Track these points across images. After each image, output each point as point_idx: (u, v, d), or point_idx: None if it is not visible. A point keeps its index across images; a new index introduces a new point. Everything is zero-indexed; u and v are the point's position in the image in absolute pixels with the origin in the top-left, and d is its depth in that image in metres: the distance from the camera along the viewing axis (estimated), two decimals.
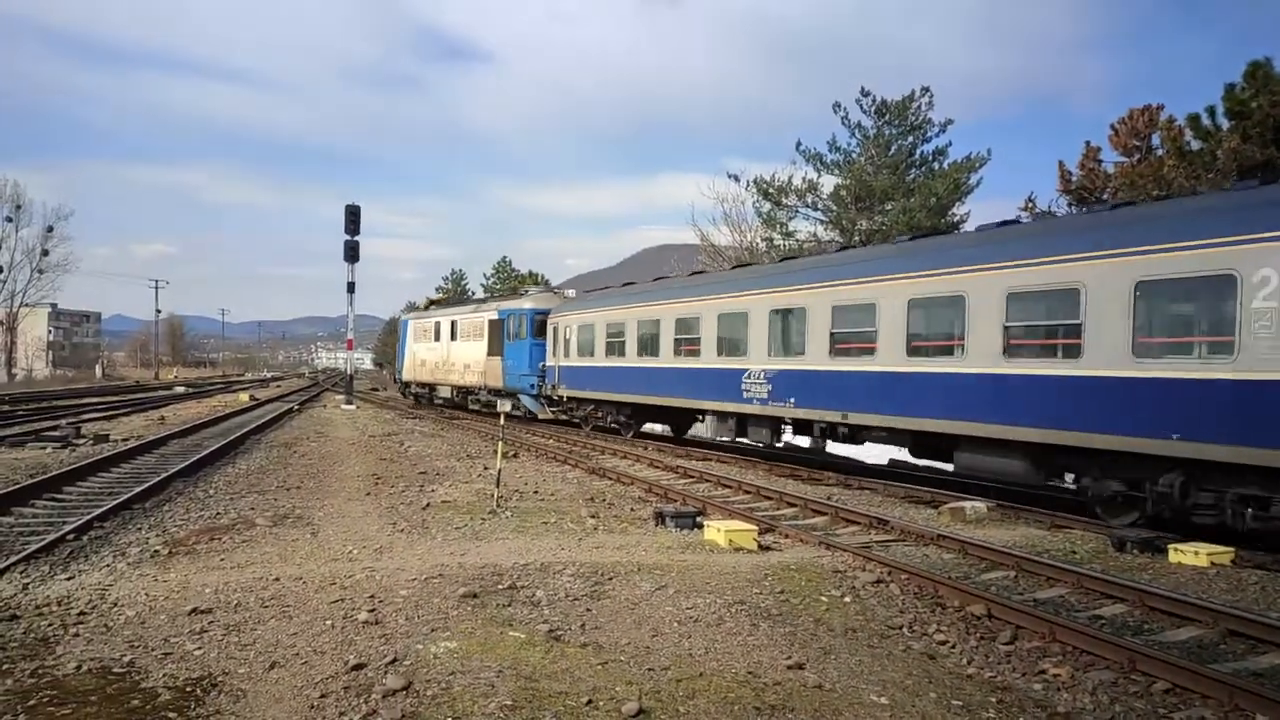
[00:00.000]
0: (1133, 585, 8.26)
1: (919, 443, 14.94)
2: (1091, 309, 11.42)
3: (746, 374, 18.42)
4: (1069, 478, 12.90)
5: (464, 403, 35.66)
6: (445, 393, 37.63)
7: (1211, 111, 23.79)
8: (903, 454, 17.08)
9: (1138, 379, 10.88)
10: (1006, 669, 6.35)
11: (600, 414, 25.98)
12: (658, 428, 26.34)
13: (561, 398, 27.62)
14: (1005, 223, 14.63)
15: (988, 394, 12.83)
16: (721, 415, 19.85)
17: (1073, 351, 11.71)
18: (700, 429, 22.26)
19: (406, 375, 42.83)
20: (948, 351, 13.75)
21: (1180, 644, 6.93)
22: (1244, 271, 9.82)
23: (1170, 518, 10.91)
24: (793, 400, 17.05)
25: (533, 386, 29.64)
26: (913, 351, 14.34)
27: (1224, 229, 10.21)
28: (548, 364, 28.46)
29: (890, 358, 14.71)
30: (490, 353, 31.94)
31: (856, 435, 16.07)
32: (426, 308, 43.44)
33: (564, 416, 28.83)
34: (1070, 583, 8.63)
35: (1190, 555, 9.68)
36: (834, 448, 18.05)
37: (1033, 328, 12.55)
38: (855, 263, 16.96)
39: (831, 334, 16.10)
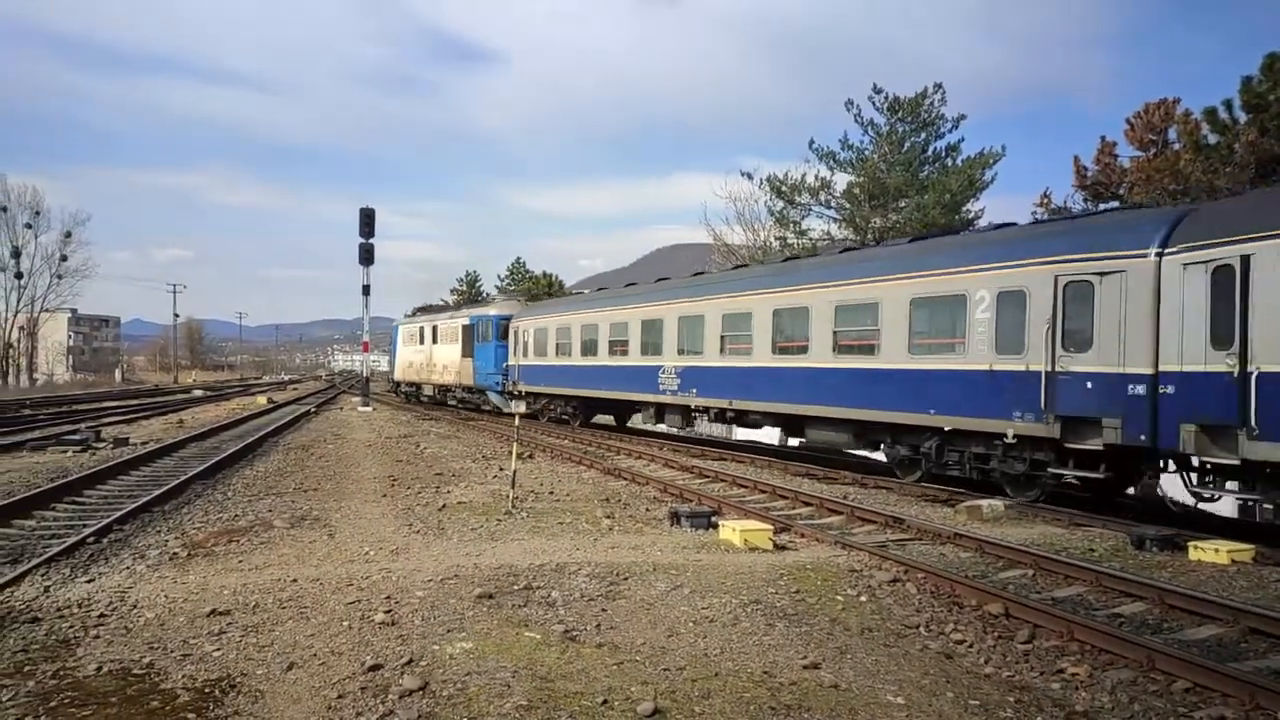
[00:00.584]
0: (1152, 583, 8.20)
1: (783, 424, 19.24)
2: (885, 318, 15.57)
3: (661, 370, 22.62)
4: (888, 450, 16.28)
5: (444, 399, 39.77)
6: (429, 390, 41.82)
7: (1229, 105, 23.58)
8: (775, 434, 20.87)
9: (911, 370, 14.98)
10: (1024, 668, 6.32)
11: (553, 407, 29.87)
12: (611, 419, 30.04)
13: (521, 393, 31.26)
14: (847, 248, 20.07)
15: (825, 383, 16.85)
16: (645, 405, 23.84)
17: (871, 351, 15.90)
18: (638, 419, 25.83)
19: (397, 375, 47.46)
20: (802, 350, 17.63)
21: (1200, 642, 6.88)
22: (970, 292, 13.98)
23: (935, 472, 14.99)
24: (695, 391, 21.15)
25: (498, 384, 33.47)
26: (777, 350, 18.37)
27: (958, 262, 14.47)
28: (509, 363, 32.59)
29: (762, 356, 18.77)
30: (464, 354, 36.11)
31: (741, 418, 20.24)
32: (414, 314, 47.25)
33: (534, 412, 31.33)
34: (1089, 581, 8.57)
35: (1210, 553, 9.61)
36: (740, 434, 22.64)
37: (851, 331, 16.50)
38: (738, 280, 21.17)
39: (722, 337, 20.21)
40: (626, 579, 8.42)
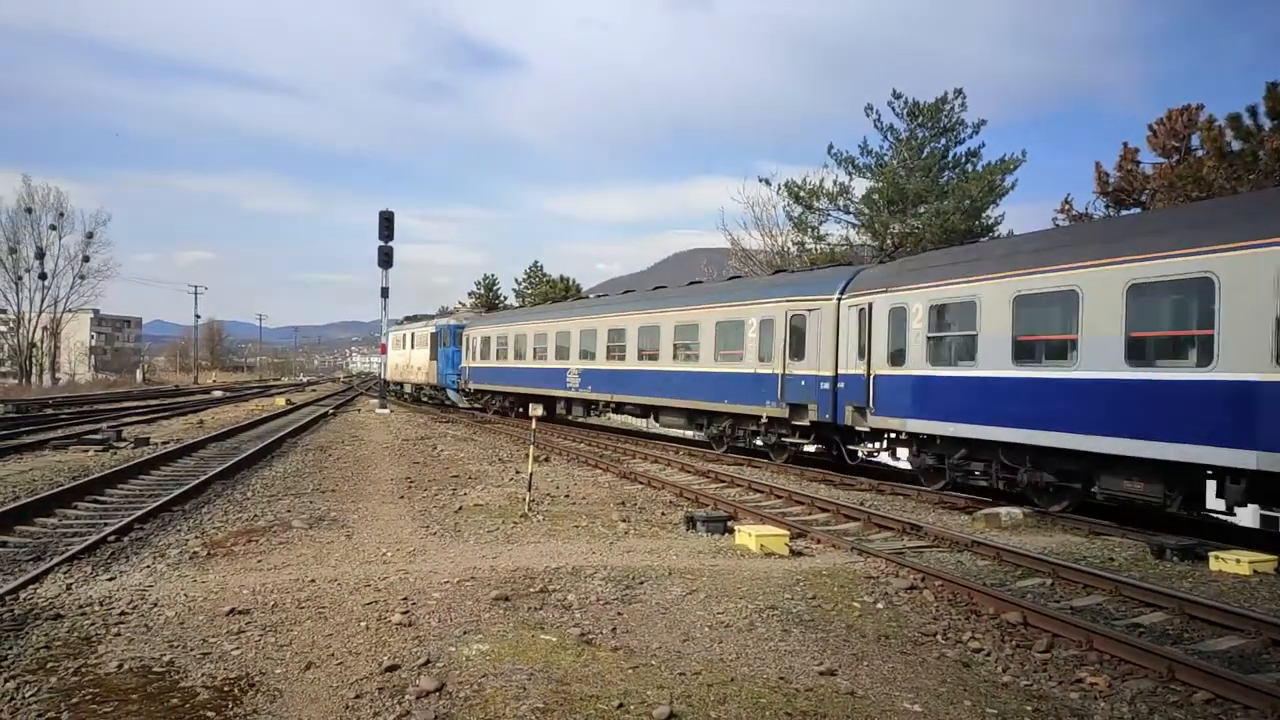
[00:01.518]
0: (1172, 593, 8.12)
1: (645, 412, 25.80)
2: (702, 335, 21.80)
3: (568, 372, 28.94)
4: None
5: (418, 395, 47.47)
6: (409, 388, 50.25)
7: (1253, 111, 23.37)
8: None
9: (716, 372, 21.17)
10: (1042, 677, 6.27)
11: (494, 402, 36.59)
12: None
13: (470, 390, 38.72)
14: (732, 278, 28.37)
15: (671, 382, 23.05)
16: (558, 399, 30.29)
17: (695, 358, 22.12)
18: (560, 411, 31.78)
19: (388, 375, 53.88)
20: (654, 358, 24.01)
21: (1221, 653, 6.81)
22: (745, 320, 20.21)
23: (730, 444, 21.20)
24: (590, 388, 27.53)
25: (454, 382, 40.58)
26: (642, 357, 24.65)
27: (740, 298, 21.16)
28: (462, 365, 39.37)
29: (632, 362, 25.19)
30: (431, 357, 43.50)
31: (619, 408, 26.73)
32: (402, 322, 54.50)
33: (478, 405, 38.64)
34: (1108, 590, 8.50)
35: (1232, 563, 9.51)
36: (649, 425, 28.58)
37: (684, 344, 22.69)
38: (619, 304, 28.23)
39: (608, 347, 26.52)
40: (642, 583, 8.43)
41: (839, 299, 17.57)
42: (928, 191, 35.28)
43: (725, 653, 6.51)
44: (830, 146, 37.69)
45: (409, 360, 48.27)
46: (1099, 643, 6.75)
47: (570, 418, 31.88)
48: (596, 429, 23.46)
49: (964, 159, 36.51)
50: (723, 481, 16.46)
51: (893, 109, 36.78)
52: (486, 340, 36.61)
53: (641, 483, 16.09)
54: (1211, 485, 10.97)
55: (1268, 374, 9.71)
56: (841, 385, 17.17)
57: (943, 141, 36.77)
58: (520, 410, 33.56)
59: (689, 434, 25.61)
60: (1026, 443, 12.82)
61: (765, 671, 6.14)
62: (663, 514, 12.74)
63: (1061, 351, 12.61)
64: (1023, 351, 13.08)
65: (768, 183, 40.03)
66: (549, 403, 30.73)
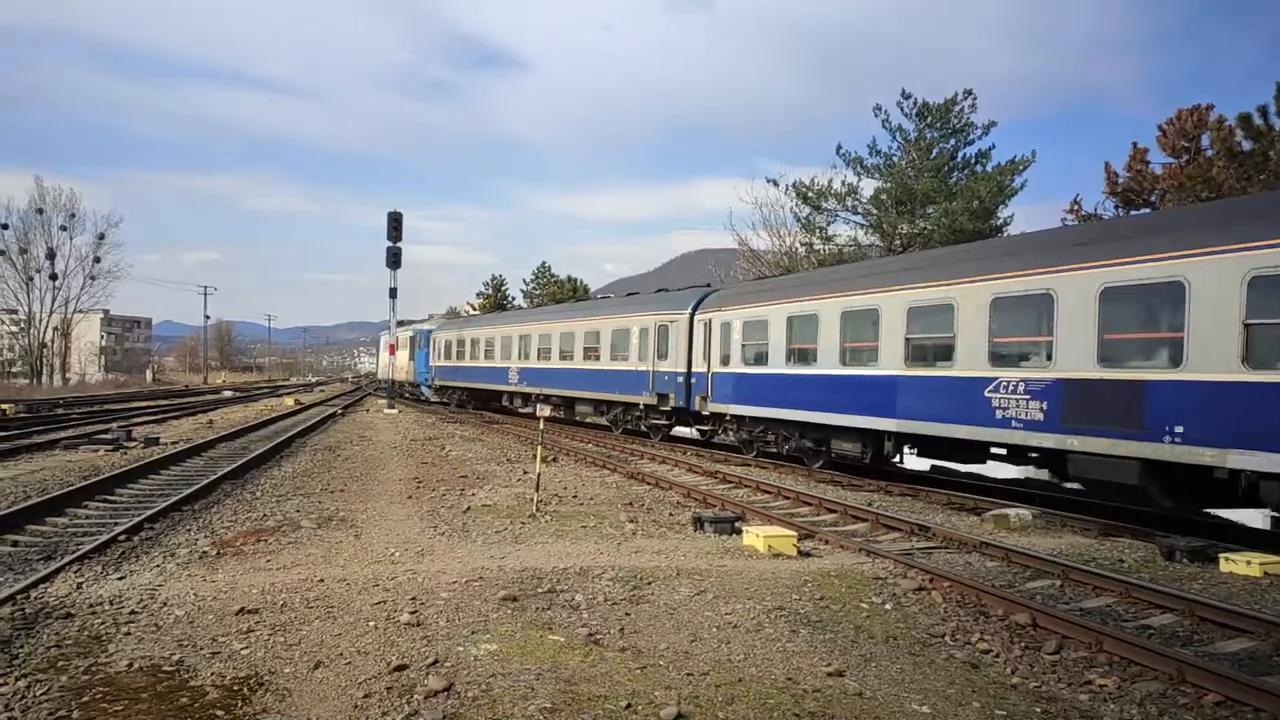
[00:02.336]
0: (1182, 595, 8.09)
1: (565, 404, 30.48)
2: (602, 340, 27.70)
3: (509, 370, 35.08)
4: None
5: (401, 391, 52.62)
6: (397, 384, 55.44)
7: (1263, 111, 23.27)
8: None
9: (611, 369, 26.81)
10: (1052, 679, 6.26)
11: (454, 396, 43.01)
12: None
13: (436, 386, 45.49)
14: (629, 294, 32.98)
15: (582, 378, 28.83)
16: (503, 394, 36.70)
17: (598, 359, 27.84)
18: (505, 403, 37.92)
19: (380, 374, 62.74)
20: (570, 359, 29.93)
21: (1232, 655, 6.78)
22: (630, 328, 25.71)
23: (622, 427, 27.04)
24: (525, 383, 33.52)
25: (426, 379, 47.59)
26: (562, 358, 30.60)
27: (628, 311, 27.10)
28: (432, 364, 45.78)
29: (555, 361, 31.24)
30: (410, 358, 50.67)
31: (546, 399, 30.50)
32: (397, 328, 61.18)
33: (444, 400, 45.11)
34: (1118, 592, 8.47)
35: (1242, 565, 9.47)
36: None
37: (591, 347, 28.45)
38: (545, 313, 37.20)
39: (538, 349, 32.65)
40: (650, 583, 8.43)
41: (691, 314, 23.12)
42: (936, 192, 35.20)
43: (733, 653, 6.51)
44: (839, 147, 37.63)
45: (396, 360, 55.79)
46: (1109, 644, 6.72)
47: (512, 408, 37.00)
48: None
49: (973, 160, 36.44)
50: (730, 482, 16.45)
51: (901, 109, 36.76)
52: (449, 344, 43.16)
53: (649, 483, 16.09)
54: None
55: (899, 369, 15.47)
56: (693, 380, 22.84)
57: (952, 142, 36.70)
58: (475, 404, 40.67)
59: (600, 420, 30.79)
60: (795, 419, 18.62)
61: (773, 672, 6.13)
62: (670, 514, 12.74)
63: (811, 356, 18.05)
64: (792, 355, 18.74)
65: (775, 183, 40.00)
66: (495, 395, 38.43)
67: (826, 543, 10.82)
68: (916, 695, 5.81)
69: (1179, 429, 10.61)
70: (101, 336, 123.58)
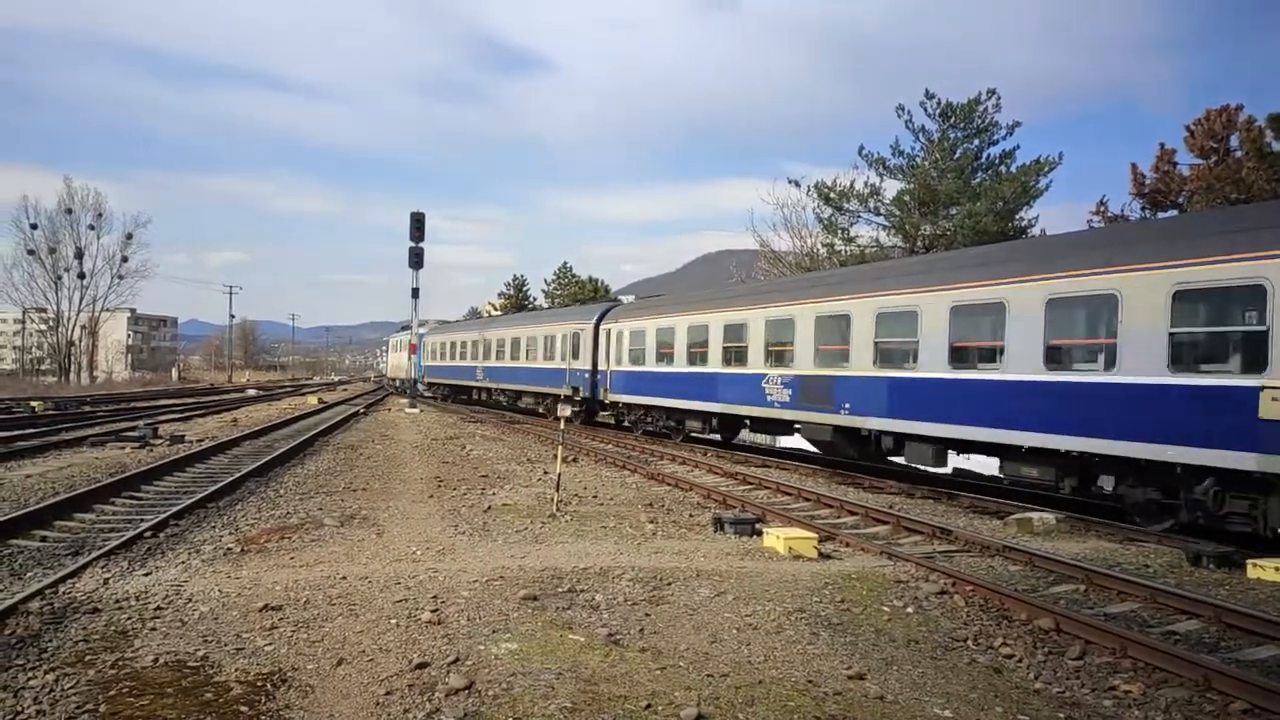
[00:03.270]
0: (1209, 601, 7.99)
1: (514, 397, 37.89)
2: (537, 344, 34.32)
3: (476, 369, 42.35)
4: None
5: (403, 389, 56.24)
6: (397, 382, 63.18)
7: None
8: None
9: (542, 368, 33.70)
10: (1075, 684, 6.20)
11: (438, 391, 50.79)
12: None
13: (427, 382, 52.03)
14: (550, 308, 55.39)
15: (524, 375, 35.59)
16: (473, 389, 44.48)
17: (536, 358, 34.29)
18: (475, 396, 45.62)
19: (389, 374, 70.02)
20: (517, 359, 36.26)
21: (1259, 663, 6.68)
22: (554, 335, 33.07)
23: (544, 412, 33.97)
24: (488, 380, 40.54)
25: (420, 376, 51.58)
26: (514, 358, 36.71)
27: (549, 321, 35.48)
28: (423, 364, 51.32)
29: (507, 361, 37.43)
30: (409, 358, 53.53)
31: (504, 393, 39.27)
32: (399, 331, 66.68)
33: (432, 394, 51.91)
34: (1143, 597, 8.38)
35: (1270, 571, 9.33)
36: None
37: (528, 350, 34.96)
38: (503, 321, 45.70)
39: (496, 350, 39.06)
40: (670, 584, 8.43)
41: (595, 324, 29.27)
42: (960, 193, 34.94)
43: (753, 655, 6.50)
44: (861, 148, 37.42)
45: (399, 360, 63.94)
46: (1133, 650, 6.65)
47: (479, 399, 45.13)
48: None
49: (998, 160, 36.15)
50: (751, 484, 16.41)
51: (925, 110, 36.52)
52: (434, 347, 51.31)
53: (669, 484, 16.09)
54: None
55: (718, 369, 21.84)
56: (599, 376, 28.84)
57: (976, 143, 36.43)
58: (454, 397, 48.51)
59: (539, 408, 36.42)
60: (662, 405, 24.92)
61: (793, 674, 6.11)
62: (691, 515, 12.73)
63: (670, 358, 24.25)
64: (659, 356, 24.88)
65: (797, 184, 39.88)
66: (466, 390, 46.31)
67: (847, 545, 10.77)
68: (938, 699, 5.77)
69: (848, 405, 16.92)
70: (128, 335, 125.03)
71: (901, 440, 15.91)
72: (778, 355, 19.18)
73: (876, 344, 16.31)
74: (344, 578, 8.32)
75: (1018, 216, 35.06)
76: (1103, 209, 29.73)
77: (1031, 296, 13.09)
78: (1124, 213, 28.92)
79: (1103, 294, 12.10)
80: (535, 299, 74.17)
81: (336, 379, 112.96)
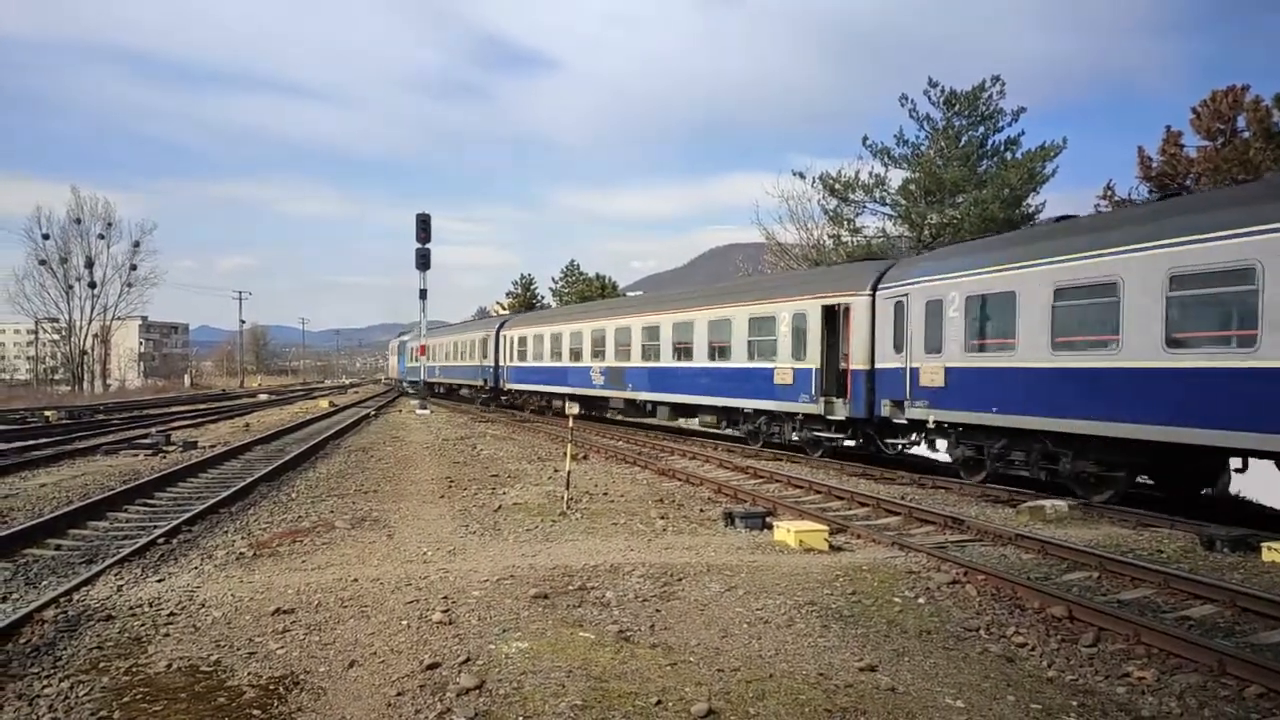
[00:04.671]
0: (1223, 585, 7.95)
1: (456, 387, 49.59)
2: (473, 347, 44.52)
3: (436, 367, 51.61)
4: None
5: (395, 386, 68.10)
6: (390, 381, 75.20)
7: None
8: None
9: (471, 365, 44.75)
10: (1089, 672, 6.17)
11: (426, 389, 51.55)
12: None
13: (409, 381, 57.73)
14: (475, 319, 66.00)
15: (462, 371, 46.90)
16: (437, 384, 51.80)
17: (472, 358, 44.53)
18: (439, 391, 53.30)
19: (391, 374, 78.95)
20: (485, 356, 41.27)
21: (1274, 647, 6.64)
22: (478, 338, 45.21)
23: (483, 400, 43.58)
24: (442, 376, 51.58)
25: (404, 378, 61.98)
26: (459, 359, 47.61)
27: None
28: (404, 365, 61.00)
29: (453, 361, 49.23)
30: (397, 362, 67.73)
31: (443, 386, 52.19)
32: (398, 336, 76.68)
33: (409, 390, 57.62)
34: (1156, 583, 8.34)
35: None
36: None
37: (467, 350, 45.91)
38: (455, 328, 56.08)
39: (446, 352, 50.57)
40: (680, 580, 8.43)
41: (497, 331, 38.58)
42: (965, 181, 34.81)
43: (764, 649, 6.49)
44: (865, 138, 37.30)
45: (391, 364, 76.60)
46: (1147, 636, 6.62)
47: (445, 394, 52.98)
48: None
49: (1003, 147, 36.00)
50: (761, 477, 16.40)
51: (929, 98, 36.39)
52: (412, 350, 58.65)
53: (680, 479, 16.08)
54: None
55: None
56: (501, 371, 37.57)
57: (981, 130, 36.27)
58: (429, 393, 52.41)
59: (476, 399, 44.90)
60: (567, 393, 30.33)
61: (805, 668, 6.11)
62: (701, 510, 12.72)
63: (579, 354, 30.59)
64: (571, 354, 31.30)
65: (802, 176, 39.83)
66: (431, 386, 52.03)
67: (859, 537, 10.75)
68: (950, 689, 5.76)
69: (631, 385, 27.01)
70: (140, 342, 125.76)
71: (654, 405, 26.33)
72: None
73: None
74: (355, 580, 8.35)
75: (1025, 203, 34.92)
76: (1109, 193, 29.55)
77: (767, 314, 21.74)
78: (1131, 196, 28.75)
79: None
80: (543, 298, 74.23)
81: (347, 381, 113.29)
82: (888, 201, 37.61)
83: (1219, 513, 12.20)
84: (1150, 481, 13.49)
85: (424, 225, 37.92)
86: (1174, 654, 6.35)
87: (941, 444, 16.02)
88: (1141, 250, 11.59)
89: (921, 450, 17.55)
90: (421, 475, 16.46)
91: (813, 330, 18.96)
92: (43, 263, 75.05)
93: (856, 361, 17.83)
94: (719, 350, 22.64)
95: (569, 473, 13.53)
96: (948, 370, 15.13)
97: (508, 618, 7.16)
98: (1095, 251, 12.34)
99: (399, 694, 5.54)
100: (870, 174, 37.30)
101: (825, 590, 8.11)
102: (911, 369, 16.09)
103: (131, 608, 7.41)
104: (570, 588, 8.12)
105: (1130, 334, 11.67)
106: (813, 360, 18.89)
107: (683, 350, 24.46)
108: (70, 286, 76.64)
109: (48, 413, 33.84)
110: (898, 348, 16.59)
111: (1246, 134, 25.31)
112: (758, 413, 21.29)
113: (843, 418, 18.19)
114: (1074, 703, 5.60)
